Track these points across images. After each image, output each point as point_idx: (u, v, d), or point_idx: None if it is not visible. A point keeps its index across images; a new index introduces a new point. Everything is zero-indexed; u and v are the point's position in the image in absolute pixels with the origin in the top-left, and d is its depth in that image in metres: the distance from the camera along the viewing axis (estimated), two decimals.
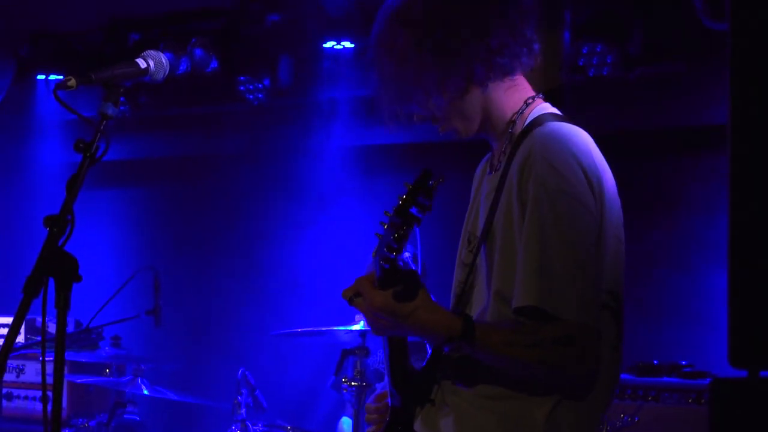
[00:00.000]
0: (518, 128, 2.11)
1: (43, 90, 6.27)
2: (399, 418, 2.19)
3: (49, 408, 2.00)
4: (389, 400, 2.23)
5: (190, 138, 6.02)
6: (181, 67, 5.29)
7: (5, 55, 5.81)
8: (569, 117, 2.14)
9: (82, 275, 1.98)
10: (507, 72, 2.11)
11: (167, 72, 2.15)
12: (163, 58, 2.14)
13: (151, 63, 2.11)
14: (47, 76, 6.14)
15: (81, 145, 1.99)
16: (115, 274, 5.15)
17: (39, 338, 4.85)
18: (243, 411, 4.22)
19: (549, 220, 1.93)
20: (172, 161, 6.14)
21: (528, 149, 2.00)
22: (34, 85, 6.20)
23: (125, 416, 4.83)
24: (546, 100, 2.20)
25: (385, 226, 1.96)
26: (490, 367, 2.03)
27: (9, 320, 5.47)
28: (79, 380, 4.65)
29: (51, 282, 1.93)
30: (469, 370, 2.07)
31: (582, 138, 2.04)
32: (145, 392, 4.57)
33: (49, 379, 1.96)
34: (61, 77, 6.03)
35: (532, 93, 2.17)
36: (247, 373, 4.25)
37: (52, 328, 4.51)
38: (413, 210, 1.89)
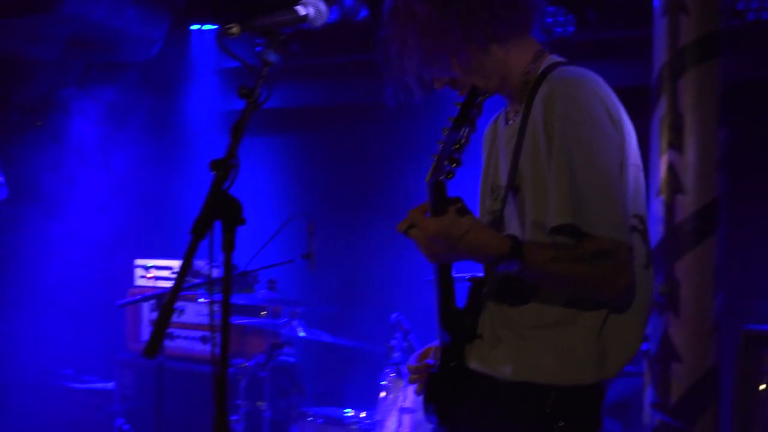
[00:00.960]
0: (533, 77, 2.22)
1: (197, 40, 6.45)
2: (449, 356, 2.29)
3: (210, 348, 2.05)
4: (430, 360, 2.36)
5: (345, 87, 6.07)
6: (332, 16, 5.33)
7: (161, 7, 5.98)
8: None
9: (245, 219, 2.03)
10: (523, 28, 2.24)
11: (325, 19, 2.17)
12: (322, 5, 2.16)
13: (311, 10, 2.13)
14: (201, 26, 6.30)
15: (244, 91, 2.03)
16: (271, 219, 5.28)
17: (198, 281, 5.02)
18: (396, 354, 4.28)
19: (576, 148, 2.06)
20: (327, 110, 6.22)
21: (548, 90, 2.13)
22: (188, 35, 6.37)
23: (281, 357, 4.99)
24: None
25: (441, 144, 2.11)
26: (537, 292, 2.14)
27: (169, 263, 5.72)
28: (236, 321, 4.80)
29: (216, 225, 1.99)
30: (517, 298, 2.17)
31: (595, 76, 2.16)
32: (301, 334, 4.69)
33: (210, 320, 2.02)
34: (216, 26, 6.18)
35: (539, 47, 2.29)
36: (401, 317, 4.30)
37: (212, 271, 4.68)
38: (471, 114, 2.08)
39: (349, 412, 4.65)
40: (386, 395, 4.19)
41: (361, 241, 5.82)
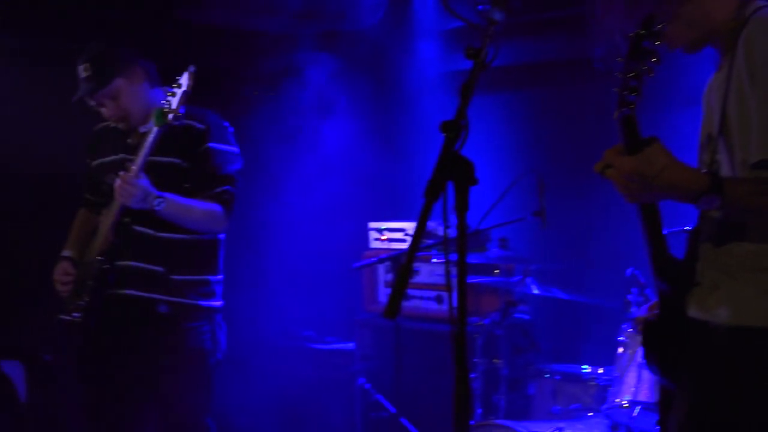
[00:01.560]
0: (739, 23, 2.16)
1: (419, 2, 6.52)
2: (669, 305, 2.25)
3: (445, 307, 2.09)
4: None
5: (571, 41, 5.96)
6: None
7: None
8: None
9: (478, 178, 2.06)
10: None
11: None
12: None
13: None
14: None
15: (471, 51, 2.05)
16: (501, 178, 5.28)
17: (431, 241, 5.12)
18: (633, 309, 4.20)
19: None
20: (553, 65, 6.13)
21: (749, 30, 2.09)
22: None
23: (516, 315, 5.01)
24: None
25: (620, 75, 2.10)
26: (754, 236, 2.09)
27: (402, 225, 5.85)
28: (470, 280, 4.84)
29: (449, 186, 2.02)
30: (733, 243, 2.13)
31: None
32: (535, 291, 4.69)
33: (446, 280, 2.06)
34: None
35: None
36: (636, 272, 4.22)
37: (442, 231, 4.76)
38: (646, 44, 2.03)
39: (587, 369, 4.61)
40: (624, 351, 4.12)
41: (592, 196, 5.71)
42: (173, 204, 3.78)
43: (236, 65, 6.24)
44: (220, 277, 4.07)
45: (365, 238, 6.11)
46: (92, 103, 3.93)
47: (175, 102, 3.64)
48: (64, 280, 4.00)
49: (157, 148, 3.78)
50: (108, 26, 5.36)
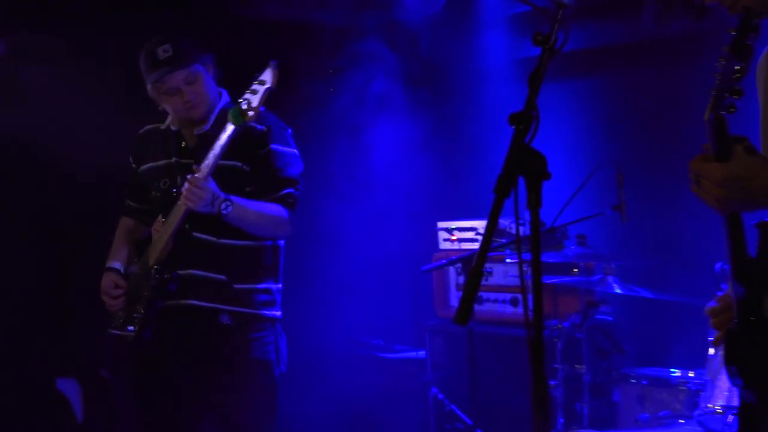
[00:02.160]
0: None
1: None
2: (747, 308, 2.20)
3: (521, 310, 2.09)
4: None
5: (641, 22, 5.90)
6: None
7: None
8: None
9: (551, 173, 2.06)
10: None
11: None
12: None
13: None
14: None
15: (539, 38, 2.05)
16: (576, 170, 5.24)
17: (504, 240, 5.11)
18: None
19: None
20: (624, 48, 6.07)
21: None
22: None
23: (598, 316, 4.97)
24: None
25: (719, 76, 2.03)
26: None
27: (472, 223, 5.84)
28: (547, 281, 4.84)
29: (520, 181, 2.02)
30: None
31: None
32: (617, 291, 4.66)
33: (520, 281, 2.05)
34: None
35: None
36: (726, 266, 4.15)
37: (515, 229, 4.75)
38: (748, 39, 1.98)
39: (676, 372, 4.56)
40: (716, 352, 4.06)
41: (674, 186, 5.63)
42: (239, 208, 3.80)
43: (293, 60, 6.29)
44: (280, 285, 4.11)
45: (434, 239, 6.12)
46: (167, 87, 3.90)
47: (256, 100, 3.65)
48: (115, 293, 4.04)
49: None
50: (162, 25, 5.45)
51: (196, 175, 3.71)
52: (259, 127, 3.91)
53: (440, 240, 6.06)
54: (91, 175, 5.67)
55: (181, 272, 3.92)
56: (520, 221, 2.06)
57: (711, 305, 2.39)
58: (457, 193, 6.58)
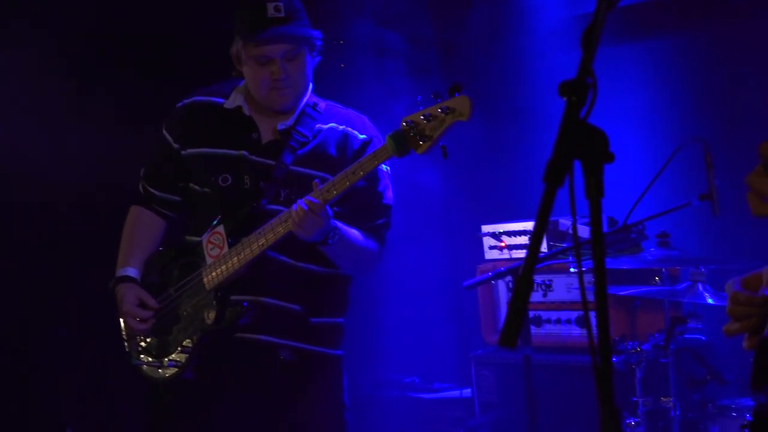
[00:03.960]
0: None
1: None
2: None
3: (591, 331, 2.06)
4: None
5: None
6: None
7: None
8: None
9: (613, 154, 2.03)
10: None
11: None
12: None
13: None
14: None
15: None
16: (648, 153, 5.21)
17: (565, 244, 5.08)
18: None
19: None
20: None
21: None
22: None
23: (687, 335, 4.95)
24: None
25: None
26: None
27: (525, 225, 5.80)
28: (622, 292, 4.81)
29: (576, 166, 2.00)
30: None
31: None
32: (710, 301, 4.62)
33: (589, 295, 2.02)
34: None
35: None
36: None
37: (580, 230, 4.72)
38: None
39: None
40: None
41: None
42: (344, 239, 3.78)
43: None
44: (344, 321, 4.14)
45: (478, 248, 6.10)
46: (262, 52, 3.83)
47: (437, 130, 3.49)
48: (143, 315, 3.99)
49: (302, 158, 3.86)
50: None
51: (316, 199, 3.63)
52: (360, 134, 3.89)
53: (486, 248, 6.03)
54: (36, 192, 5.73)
55: (250, 300, 3.88)
56: (585, 219, 2.02)
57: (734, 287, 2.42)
58: (504, 190, 6.55)
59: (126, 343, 4.10)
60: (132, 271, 4.07)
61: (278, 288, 3.90)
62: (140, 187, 4.22)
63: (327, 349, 4.03)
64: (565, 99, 2.02)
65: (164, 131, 4.13)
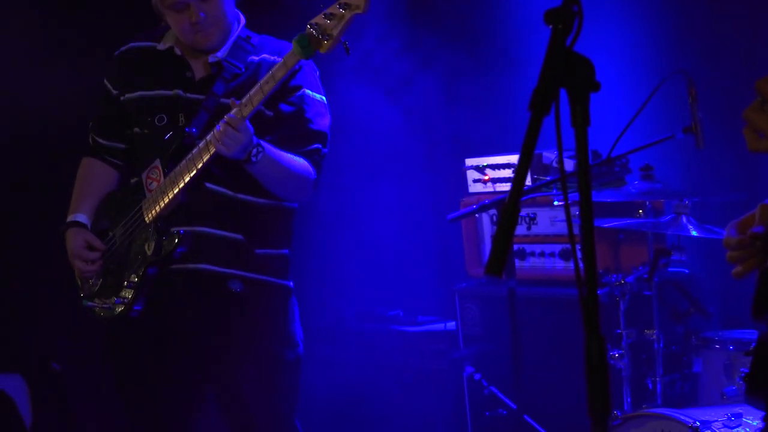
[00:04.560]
0: None
1: None
2: None
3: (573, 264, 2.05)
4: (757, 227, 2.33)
5: None
6: None
7: None
8: None
9: (599, 82, 2.02)
10: None
11: None
12: None
13: None
14: None
15: None
16: (633, 84, 5.18)
17: (549, 178, 5.06)
18: None
19: None
20: None
21: None
22: None
23: (670, 268, 4.94)
24: None
25: None
26: None
27: (510, 158, 5.78)
28: (606, 225, 4.80)
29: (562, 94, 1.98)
30: None
31: None
32: (694, 233, 4.61)
33: (574, 228, 2.01)
34: None
35: None
36: None
37: (565, 164, 4.70)
38: None
39: None
40: None
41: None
42: (269, 157, 3.81)
43: None
44: (289, 252, 4.17)
45: (462, 182, 6.08)
46: (174, 1, 3.84)
47: (337, 27, 3.57)
48: (90, 256, 4.04)
49: (234, 89, 3.86)
50: None
51: (233, 114, 3.70)
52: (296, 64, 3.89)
53: (469, 182, 6.02)
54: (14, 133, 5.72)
55: (188, 230, 3.90)
56: (569, 152, 2.01)
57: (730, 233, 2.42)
58: (487, 122, 6.52)
59: (79, 287, 4.12)
60: (81, 217, 4.11)
61: (217, 218, 3.94)
62: (90, 139, 4.27)
63: (275, 279, 4.05)
64: (550, 27, 2.00)
65: (105, 81, 4.20)
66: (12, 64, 5.80)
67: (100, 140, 4.23)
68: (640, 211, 4.93)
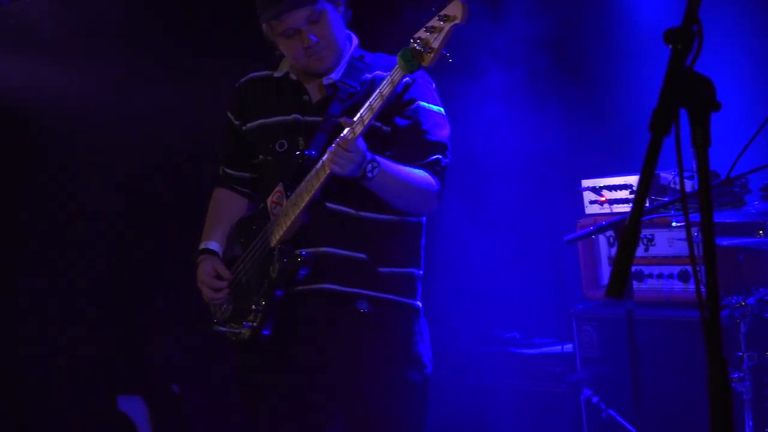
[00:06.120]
0: None
1: None
2: None
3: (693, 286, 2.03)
4: None
5: None
6: None
7: None
8: None
9: (720, 102, 2.00)
10: None
11: None
12: None
13: None
14: None
15: None
16: (754, 102, 5.10)
17: (667, 198, 5.01)
18: None
19: None
20: None
21: None
22: None
23: None
24: None
25: None
26: None
27: (627, 179, 5.74)
28: (725, 243, 4.73)
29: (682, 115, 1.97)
30: None
31: None
32: None
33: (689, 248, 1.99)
34: None
35: None
36: None
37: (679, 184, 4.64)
38: None
39: None
40: None
41: None
42: (386, 171, 3.82)
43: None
44: (422, 272, 4.16)
45: (578, 203, 6.05)
46: (285, 27, 3.90)
47: (438, 39, 3.56)
48: (218, 284, 4.10)
49: (350, 108, 3.88)
50: None
51: (345, 135, 3.71)
52: (402, 78, 3.92)
53: (586, 203, 5.99)
54: (155, 154, 5.81)
55: (311, 251, 3.94)
56: (687, 172, 1.99)
57: None
58: (602, 143, 6.47)
59: (212, 313, 4.20)
60: (213, 245, 4.19)
61: (340, 238, 3.94)
62: (220, 170, 4.36)
63: (401, 298, 4.03)
64: (670, 47, 1.99)
65: (228, 113, 4.27)
66: (151, 95, 5.89)
67: (229, 171, 4.32)
68: (761, 231, 4.86)
